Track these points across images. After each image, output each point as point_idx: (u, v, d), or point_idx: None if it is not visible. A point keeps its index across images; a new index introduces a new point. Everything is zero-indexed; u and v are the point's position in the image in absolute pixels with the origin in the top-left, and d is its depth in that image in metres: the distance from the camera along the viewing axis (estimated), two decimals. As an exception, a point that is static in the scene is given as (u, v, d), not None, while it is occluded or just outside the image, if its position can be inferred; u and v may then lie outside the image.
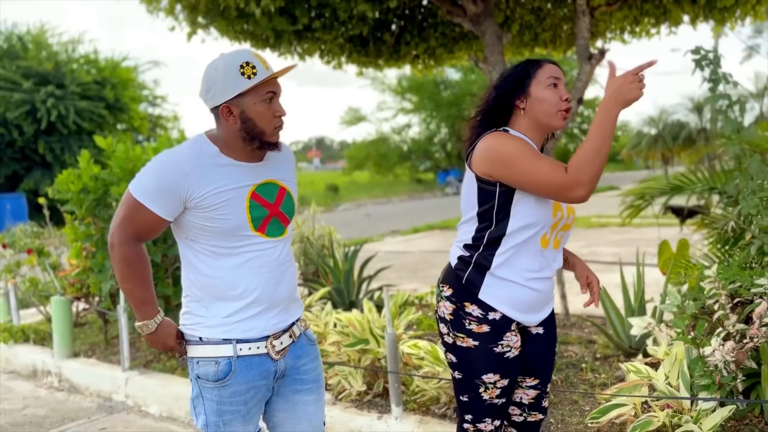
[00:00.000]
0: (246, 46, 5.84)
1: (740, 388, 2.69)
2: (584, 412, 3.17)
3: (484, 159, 1.90)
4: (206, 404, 1.87)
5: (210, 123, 1.94)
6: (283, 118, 1.85)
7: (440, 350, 3.40)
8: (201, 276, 1.85)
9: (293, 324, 1.96)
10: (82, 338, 5.58)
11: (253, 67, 1.77)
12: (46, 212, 6.52)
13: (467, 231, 2.00)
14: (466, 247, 1.99)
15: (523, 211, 1.91)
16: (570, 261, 2.20)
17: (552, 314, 2.12)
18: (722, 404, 2.60)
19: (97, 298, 5.37)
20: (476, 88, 32.04)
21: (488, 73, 4.93)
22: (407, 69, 7.09)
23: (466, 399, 2.01)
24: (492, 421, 2.01)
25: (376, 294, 5.47)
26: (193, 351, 1.88)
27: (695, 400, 2.64)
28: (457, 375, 2.03)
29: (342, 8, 5.22)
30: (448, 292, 2.01)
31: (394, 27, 6.13)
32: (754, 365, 2.73)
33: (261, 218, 1.86)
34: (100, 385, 4.60)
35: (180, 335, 1.91)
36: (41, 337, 5.68)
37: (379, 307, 4.58)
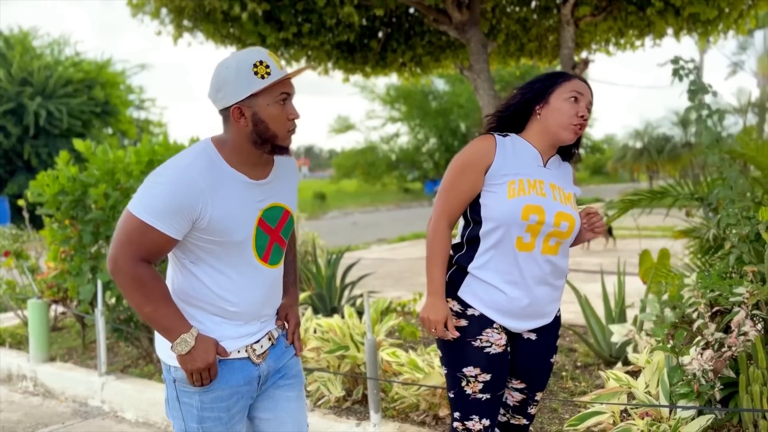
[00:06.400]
0: (232, 49, 5.82)
1: (718, 396, 2.69)
2: (563, 420, 3.16)
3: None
4: (184, 409, 1.80)
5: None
6: (296, 121, 1.76)
7: (418, 358, 3.38)
8: (193, 296, 1.78)
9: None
10: (60, 342, 5.50)
11: (267, 67, 1.68)
12: (26, 215, 6.44)
13: (458, 229, 2.10)
14: (453, 247, 2.08)
15: (486, 212, 1.99)
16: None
17: (552, 325, 2.10)
18: (701, 413, 2.60)
19: (75, 302, 5.29)
20: (464, 99, 32.29)
21: (473, 80, 4.95)
22: (394, 77, 7.11)
23: (453, 395, 2.05)
24: (480, 420, 2.01)
25: (359, 300, 5.44)
26: (169, 359, 1.80)
27: (674, 409, 2.63)
28: (444, 370, 2.08)
29: (329, 14, 5.22)
30: None
31: (380, 34, 6.15)
32: (732, 374, 2.73)
33: (264, 246, 1.81)
34: (76, 389, 4.52)
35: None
36: (17, 341, 5.59)
37: (361, 314, 4.55)
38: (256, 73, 1.67)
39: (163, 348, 1.82)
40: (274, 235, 1.83)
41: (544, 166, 2.03)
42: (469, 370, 1.99)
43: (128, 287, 1.68)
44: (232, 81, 1.68)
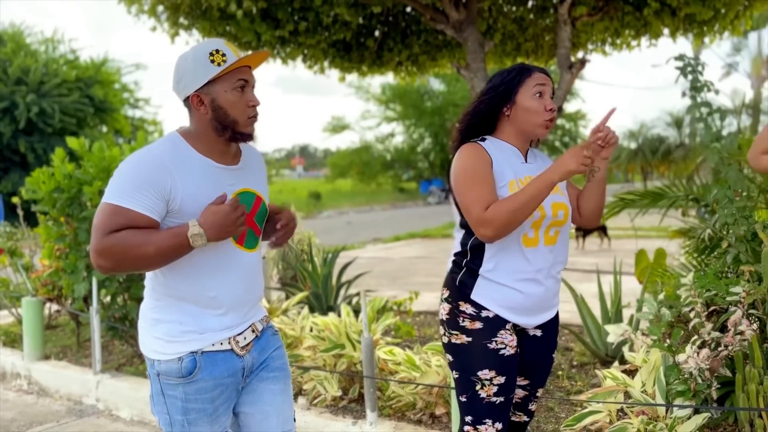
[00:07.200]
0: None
1: (715, 395, 2.70)
2: (560, 419, 3.16)
3: (450, 174, 2.02)
4: (169, 402, 1.80)
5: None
6: (257, 108, 1.80)
7: (416, 357, 3.38)
8: (172, 286, 1.78)
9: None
10: (54, 340, 5.47)
11: (223, 55, 1.73)
12: (20, 212, 6.41)
13: (457, 238, 2.08)
14: (457, 254, 2.07)
15: None
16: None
17: (554, 320, 2.12)
18: (697, 411, 2.60)
19: (69, 300, 5.27)
20: (459, 98, 32.30)
21: (470, 80, 4.94)
22: (390, 77, 7.10)
23: (465, 399, 2.03)
24: (493, 424, 2.00)
25: (355, 299, 5.43)
26: (152, 353, 1.81)
27: (670, 407, 2.64)
28: (455, 374, 2.06)
29: (325, 13, 5.21)
30: (445, 294, 2.07)
31: (377, 33, 6.14)
32: (728, 373, 2.74)
33: None
34: (71, 388, 4.50)
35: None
36: (12, 339, 5.56)
37: (357, 312, 4.55)
38: (212, 61, 1.73)
39: (146, 343, 1.84)
40: (248, 219, 1.85)
41: (525, 162, 2.05)
42: (484, 373, 1.98)
43: (116, 257, 1.65)
44: (190, 71, 1.75)
